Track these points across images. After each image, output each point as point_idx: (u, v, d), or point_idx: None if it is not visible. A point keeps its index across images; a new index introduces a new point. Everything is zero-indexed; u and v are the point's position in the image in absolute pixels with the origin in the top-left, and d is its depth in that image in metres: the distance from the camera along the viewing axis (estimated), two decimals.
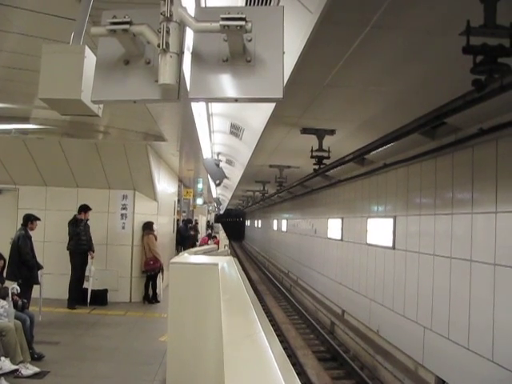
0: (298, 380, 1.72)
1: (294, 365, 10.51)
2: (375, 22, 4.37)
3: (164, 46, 2.28)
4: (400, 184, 10.64)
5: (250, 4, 5.05)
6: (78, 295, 10.60)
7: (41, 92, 2.71)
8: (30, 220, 8.76)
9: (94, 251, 10.81)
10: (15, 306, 6.80)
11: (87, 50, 2.75)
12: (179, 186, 19.43)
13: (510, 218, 6.72)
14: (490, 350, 7.01)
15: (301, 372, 10.48)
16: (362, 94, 6.90)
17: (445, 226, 8.49)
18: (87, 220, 10.82)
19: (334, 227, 16.47)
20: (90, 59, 2.73)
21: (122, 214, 11.76)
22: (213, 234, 25.15)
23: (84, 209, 10.77)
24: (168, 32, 2.29)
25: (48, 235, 10.93)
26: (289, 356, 11.05)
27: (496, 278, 6.95)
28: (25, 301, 7.19)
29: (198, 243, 21.72)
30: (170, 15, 2.29)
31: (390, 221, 11.04)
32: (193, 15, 2.40)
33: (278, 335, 11.37)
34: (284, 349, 2.50)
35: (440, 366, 8.50)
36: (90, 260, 10.78)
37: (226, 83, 2.47)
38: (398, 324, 10.30)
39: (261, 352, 2.04)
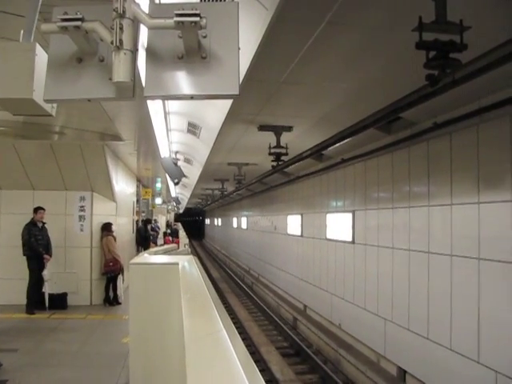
0: (261, 376, 1.72)
1: (257, 361, 10.54)
2: (330, 18, 4.41)
3: (117, 43, 2.24)
4: (358, 179, 10.76)
5: (204, 0, 5.03)
6: (36, 300, 10.37)
7: None
8: None
9: (51, 255, 10.58)
10: None
11: (38, 48, 2.69)
12: (138, 186, 19.27)
13: (465, 209, 6.87)
14: (448, 339, 7.17)
15: (265, 368, 10.51)
16: (319, 90, 6.94)
17: (403, 219, 8.63)
18: (44, 223, 10.60)
19: (293, 223, 16.54)
20: (41, 57, 2.67)
21: (79, 216, 11.58)
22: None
23: (35, 210, 10.54)
24: (121, 29, 2.25)
25: (3, 240, 10.67)
26: (252, 353, 11.08)
27: (453, 268, 7.10)
28: None
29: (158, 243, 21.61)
30: (123, 11, 2.25)
31: (349, 215, 11.15)
32: (147, 11, 2.37)
33: (240, 333, 11.38)
34: (247, 346, 2.50)
35: (401, 357, 8.64)
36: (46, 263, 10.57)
37: (182, 80, 2.45)
38: (360, 317, 10.43)
39: (223, 350, 2.03)
